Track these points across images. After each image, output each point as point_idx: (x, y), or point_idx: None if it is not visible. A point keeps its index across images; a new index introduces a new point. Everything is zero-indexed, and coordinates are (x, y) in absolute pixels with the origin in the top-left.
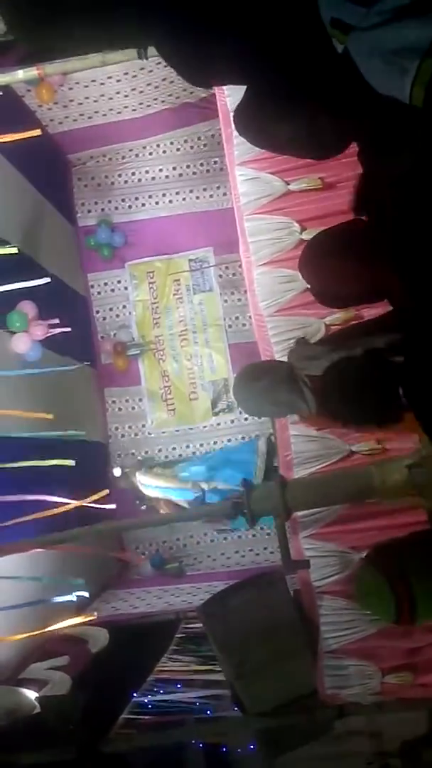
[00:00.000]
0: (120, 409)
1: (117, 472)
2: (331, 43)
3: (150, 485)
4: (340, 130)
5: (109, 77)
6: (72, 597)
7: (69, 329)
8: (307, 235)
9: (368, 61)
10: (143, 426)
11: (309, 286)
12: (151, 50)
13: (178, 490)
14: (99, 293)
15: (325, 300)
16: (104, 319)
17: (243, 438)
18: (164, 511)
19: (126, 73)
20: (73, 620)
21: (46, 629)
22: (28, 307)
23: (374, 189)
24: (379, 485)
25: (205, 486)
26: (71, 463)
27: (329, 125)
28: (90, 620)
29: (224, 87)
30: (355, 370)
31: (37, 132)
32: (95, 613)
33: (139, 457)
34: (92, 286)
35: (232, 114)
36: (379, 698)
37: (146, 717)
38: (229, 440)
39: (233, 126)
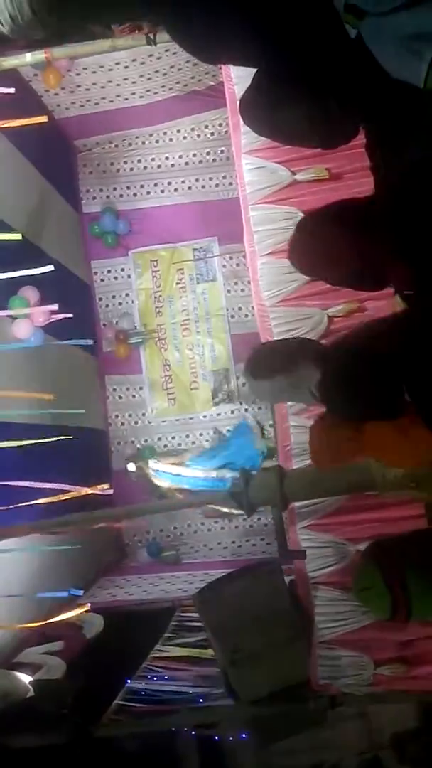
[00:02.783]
0: (120, 397)
1: (131, 467)
2: (343, 28)
3: (162, 472)
4: (349, 117)
5: (117, 63)
6: (64, 594)
7: (71, 316)
8: None
9: (382, 46)
10: (143, 414)
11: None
12: (161, 36)
13: (191, 478)
14: (102, 281)
15: (319, 277)
16: (107, 306)
17: None
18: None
19: (134, 60)
20: (69, 613)
21: (42, 623)
22: (30, 293)
23: (384, 175)
24: (379, 478)
25: (214, 474)
26: (71, 437)
27: (337, 112)
28: (85, 609)
29: (232, 76)
30: (357, 359)
31: (44, 119)
32: (89, 604)
33: (138, 446)
34: (95, 274)
35: (238, 103)
36: (372, 689)
37: (139, 704)
38: (228, 430)
39: (240, 115)
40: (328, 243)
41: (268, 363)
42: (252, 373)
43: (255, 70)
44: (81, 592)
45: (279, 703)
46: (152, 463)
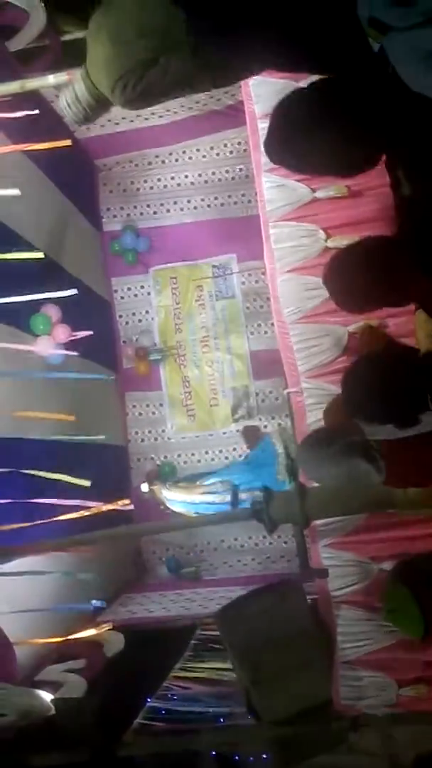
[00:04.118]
0: (140, 414)
1: (144, 488)
2: (366, 42)
3: (175, 500)
4: (374, 144)
5: None
6: (89, 606)
7: (91, 333)
8: (332, 243)
9: (406, 60)
10: (163, 431)
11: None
12: None
13: (202, 504)
14: (122, 298)
15: (351, 310)
16: (127, 323)
17: None
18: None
19: None
20: (90, 631)
21: (64, 639)
22: (52, 311)
23: (407, 195)
24: (401, 496)
25: (228, 498)
26: (86, 483)
27: (361, 143)
28: (107, 629)
29: (252, 95)
30: (386, 366)
31: (68, 142)
32: (111, 624)
33: (157, 462)
34: (116, 291)
35: (262, 145)
36: (395, 710)
37: (160, 723)
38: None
39: (263, 148)
40: (358, 286)
41: (317, 451)
42: (301, 458)
43: (274, 88)
44: (103, 603)
45: (301, 723)
46: (165, 492)
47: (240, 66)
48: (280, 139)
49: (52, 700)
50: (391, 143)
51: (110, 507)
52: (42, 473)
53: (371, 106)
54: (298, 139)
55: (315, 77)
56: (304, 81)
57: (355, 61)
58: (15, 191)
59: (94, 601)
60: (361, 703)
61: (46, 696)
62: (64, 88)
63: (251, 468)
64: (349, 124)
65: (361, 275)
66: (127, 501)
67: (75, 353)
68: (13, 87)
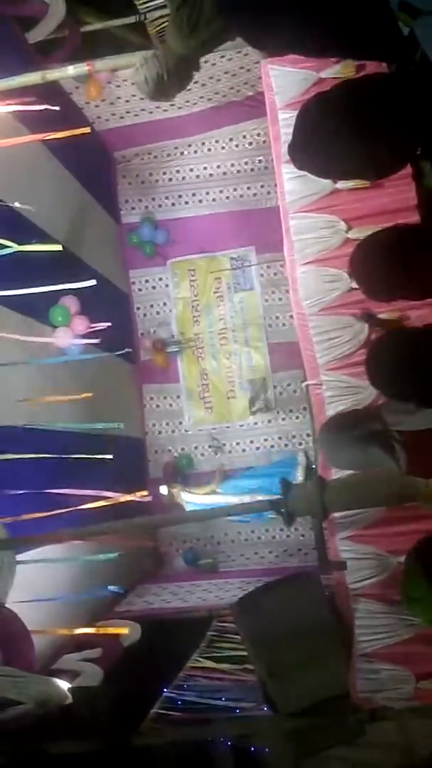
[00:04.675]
0: (158, 406)
1: (163, 490)
2: (396, 26)
3: (193, 503)
4: (398, 149)
5: (157, 74)
6: (106, 593)
7: (109, 324)
8: (353, 234)
9: None
10: (180, 423)
11: (357, 286)
12: None
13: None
14: (140, 290)
15: (377, 298)
16: (145, 315)
17: (280, 438)
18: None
19: None
20: (108, 628)
21: (82, 630)
22: (70, 303)
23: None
24: (423, 489)
25: (247, 498)
26: (109, 456)
27: (388, 147)
28: (124, 633)
29: (273, 85)
30: (411, 341)
31: (87, 130)
32: (126, 629)
33: (174, 455)
34: (134, 283)
35: (286, 151)
36: (413, 704)
37: (176, 713)
38: (265, 439)
39: (284, 150)
40: (379, 275)
41: (338, 435)
42: (321, 442)
43: (295, 79)
44: (121, 590)
45: (317, 715)
46: (184, 495)
47: (265, 46)
48: (303, 146)
49: (69, 689)
50: (418, 136)
51: (128, 498)
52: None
53: (397, 107)
54: (323, 146)
55: (338, 76)
56: (325, 72)
57: (385, 45)
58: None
59: (111, 587)
60: (379, 695)
61: (64, 685)
62: (139, 66)
63: (270, 470)
64: (374, 129)
65: (384, 264)
66: (145, 492)
67: (96, 340)
68: (34, 78)
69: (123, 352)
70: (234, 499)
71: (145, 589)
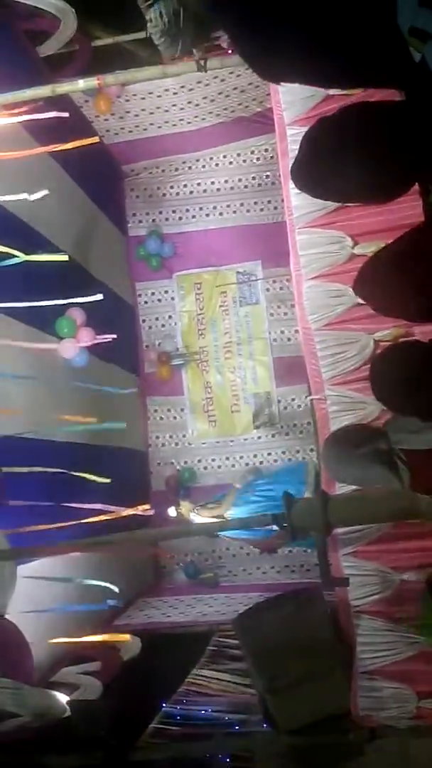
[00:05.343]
0: (162, 419)
1: (172, 512)
2: (407, 51)
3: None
4: (405, 176)
5: (167, 90)
6: (104, 606)
7: (115, 336)
8: (359, 250)
9: None
10: (184, 436)
11: (365, 302)
12: (210, 63)
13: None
14: (146, 303)
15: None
16: (150, 328)
17: (284, 452)
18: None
19: (183, 87)
20: (108, 636)
21: (81, 639)
22: (76, 314)
23: None
24: (425, 506)
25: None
26: (106, 480)
27: (394, 167)
28: (126, 639)
29: (281, 102)
30: (415, 354)
31: (95, 139)
32: (128, 636)
33: (177, 468)
34: (140, 296)
35: (290, 169)
36: (415, 723)
37: (175, 728)
38: (269, 453)
39: (292, 179)
40: (388, 290)
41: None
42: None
43: (303, 95)
44: (119, 603)
45: (318, 733)
46: (193, 516)
47: (268, 73)
48: (308, 172)
49: (67, 702)
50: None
51: (131, 512)
52: (64, 471)
53: (407, 135)
54: (328, 173)
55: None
56: (335, 89)
57: (395, 72)
58: (44, 192)
59: (109, 601)
60: (381, 714)
61: (62, 698)
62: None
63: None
64: (381, 155)
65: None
66: (147, 506)
67: (98, 357)
68: (44, 91)
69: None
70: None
71: (146, 602)
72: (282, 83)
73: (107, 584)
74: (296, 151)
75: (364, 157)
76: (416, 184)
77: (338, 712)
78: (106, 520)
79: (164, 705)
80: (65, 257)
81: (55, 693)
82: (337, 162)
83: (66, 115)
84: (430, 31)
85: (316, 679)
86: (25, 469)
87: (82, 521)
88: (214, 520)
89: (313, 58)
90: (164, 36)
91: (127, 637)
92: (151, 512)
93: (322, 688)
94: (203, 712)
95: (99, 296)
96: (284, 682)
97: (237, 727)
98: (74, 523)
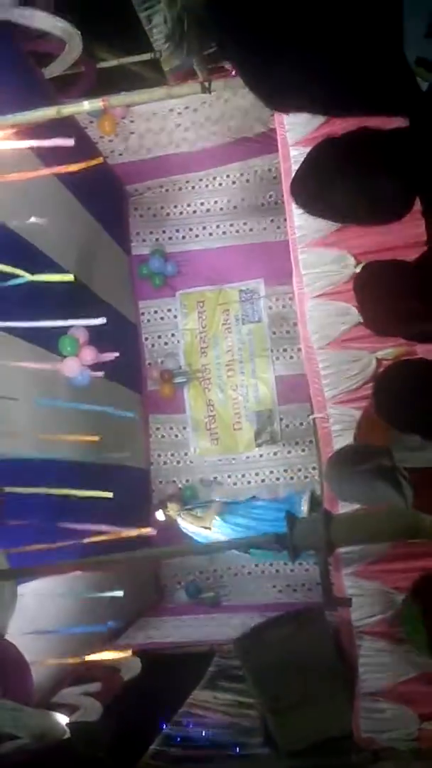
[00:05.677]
0: (163, 436)
1: (160, 516)
2: (414, 80)
3: (187, 530)
4: (405, 192)
5: (171, 110)
6: (104, 628)
7: (117, 354)
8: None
9: None
10: (186, 454)
11: (361, 314)
12: (215, 84)
13: (203, 537)
14: (149, 321)
15: (377, 329)
16: (153, 346)
17: (285, 470)
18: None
19: (187, 107)
20: (109, 654)
21: (82, 659)
22: (79, 333)
23: None
24: (428, 525)
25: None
26: (109, 495)
27: (393, 189)
28: (126, 656)
29: (285, 123)
30: (418, 372)
31: (100, 160)
32: (131, 651)
33: (179, 485)
34: (143, 314)
35: (289, 185)
36: (417, 744)
37: (175, 749)
38: (271, 472)
39: (290, 194)
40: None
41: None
42: (328, 475)
43: (305, 118)
44: (117, 624)
45: (319, 755)
46: (180, 521)
47: (273, 101)
48: (304, 187)
49: (67, 724)
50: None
51: (133, 533)
52: (65, 491)
53: (406, 156)
54: (323, 189)
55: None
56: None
57: (403, 100)
58: (43, 220)
59: (110, 623)
60: (383, 736)
61: (62, 719)
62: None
63: (271, 512)
64: (378, 177)
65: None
66: (149, 528)
67: (101, 374)
68: (49, 112)
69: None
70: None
71: (146, 622)
72: (288, 112)
73: (112, 593)
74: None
75: (361, 175)
76: (418, 202)
77: (340, 733)
78: (107, 540)
79: (165, 726)
80: (71, 277)
81: (55, 714)
82: (333, 179)
83: (72, 143)
84: None
85: (318, 700)
86: (26, 490)
87: (85, 542)
88: (199, 529)
89: (319, 87)
90: (169, 41)
91: (127, 657)
92: (154, 533)
93: (324, 710)
94: (204, 733)
95: (102, 320)
96: (286, 703)
97: (238, 749)
98: (75, 542)
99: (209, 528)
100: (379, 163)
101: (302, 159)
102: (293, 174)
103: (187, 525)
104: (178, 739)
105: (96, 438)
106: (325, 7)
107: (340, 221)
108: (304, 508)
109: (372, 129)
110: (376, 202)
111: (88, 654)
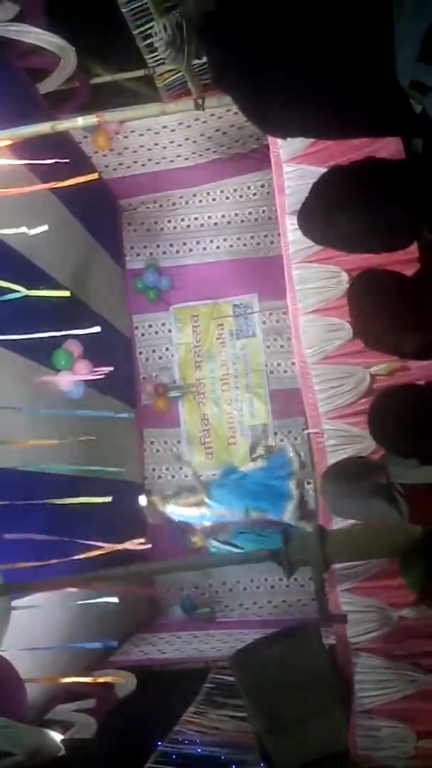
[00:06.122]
0: (158, 450)
1: (143, 501)
2: (408, 104)
3: (176, 514)
4: (410, 219)
5: (165, 126)
6: (99, 645)
7: (112, 368)
8: None
9: None
10: (180, 468)
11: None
12: (208, 102)
13: (200, 516)
14: (143, 335)
15: (368, 341)
16: (147, 360)
17: None
18: (198, 544)
19: (181, 123)
20: (103, 676)
21: (75, 679)
22: (73, 347)
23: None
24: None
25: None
26: (107, 499)
27: (401, 217)
28: (120, 680)
29: (278, 140)
30: (413, 397)
31: (94, 176)
32: (123, 669)
33: (169, 492)
34: (137, 328)
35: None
36: (414, 763)
37: (170, 767)
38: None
39: (288, 201)
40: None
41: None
42: (324, 490)
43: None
44: (116, 643)
45: None
46: (171, 508)
47: (269, 127)
48: (311, 220)
49: (61, 741)
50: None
51: (126, 546)
52: (59, 501)
53: (406, 183)
54: (332, 224)
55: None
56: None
57: (398, 123)
58: (43, 227)
59: (104, 639)
60: (379, 753)
61: (56, 736)
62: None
63: (260, 486)
64: (387, 209)
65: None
66: (142, 540)
67: (95, 389)
68: (43, 128)
69: (124, 415)
70: (223, 512)
71: (141, 638)
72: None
73: (107, 599)
74: (293, 188)
75: (370, 204)
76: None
77: (336, 751)
78: (102, 555)
79: (160, 744)
80: (67, 293)
81: (49, 731)
82: (340, 214)
83: (66, 161)
84: (429, 84)
85: (314, 717)
86: (19, 503)
87: (79, 557)
88: (193, 509)
89: (313, 111)
90: (170, 47)
91: (122, 673)
92: (148, 546)
93: (320, 727)
94: (199, 750)
95: (97, 328)
96: (281, 721)
97: (234, 767)
98: (69, 559)
99: (205, 503)
100: (388, 192)
101: (296, 175)
102: (287, 192)
103: (180, 510)
104: (174, 756)
105: (92, 437)
106: (315, 34)
107: (350, 251)
108: (291, 455)
109: (378, 158)
110: (386, 231)
111: (83, 670)
